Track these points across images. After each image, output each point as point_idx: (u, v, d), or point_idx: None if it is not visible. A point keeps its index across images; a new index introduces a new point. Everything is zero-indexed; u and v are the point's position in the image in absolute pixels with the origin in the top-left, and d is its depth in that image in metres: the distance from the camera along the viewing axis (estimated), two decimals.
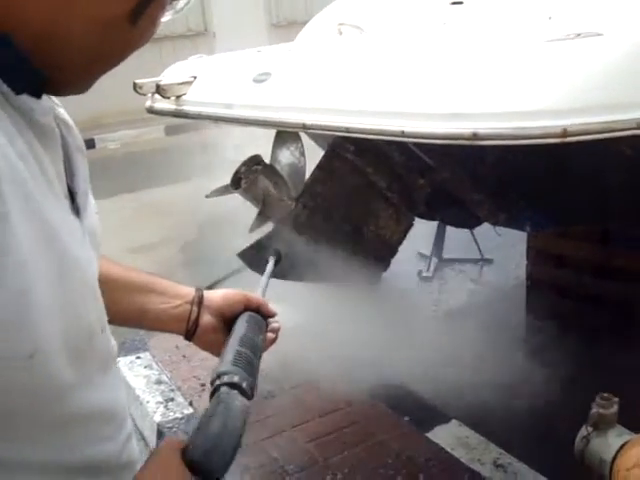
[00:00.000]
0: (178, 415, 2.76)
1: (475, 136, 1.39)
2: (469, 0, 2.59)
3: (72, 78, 0.71)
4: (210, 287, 3.67)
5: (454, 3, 2.64)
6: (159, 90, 2.39)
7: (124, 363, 3.17)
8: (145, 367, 3.11)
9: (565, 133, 1.39)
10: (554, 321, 3.19)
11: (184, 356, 3.14)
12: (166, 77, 2.54)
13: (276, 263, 2.25)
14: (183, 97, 2.39)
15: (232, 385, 0.83)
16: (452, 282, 4.06)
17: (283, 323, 1.13)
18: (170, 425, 2.72)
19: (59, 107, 0.79)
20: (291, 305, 3.37)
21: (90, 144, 10.19)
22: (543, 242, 3.40)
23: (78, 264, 0.69)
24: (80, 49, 0.68)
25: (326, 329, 3.03)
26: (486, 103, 1.43)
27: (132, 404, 2.99)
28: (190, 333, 1.08)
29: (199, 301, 1.08)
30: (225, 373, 0.86)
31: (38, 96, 0.69)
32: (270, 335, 1.10)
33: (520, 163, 2.13)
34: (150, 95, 2.57)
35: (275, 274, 2.43)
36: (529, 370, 2.67)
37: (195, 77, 2.40)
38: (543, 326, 3.15)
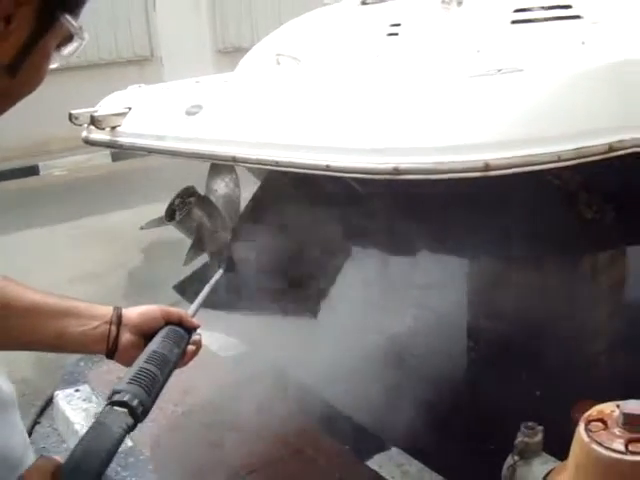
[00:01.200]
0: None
1: (396, 171, 1.41)
2: (404, 32, 2.64)
3: None
4: None
5: (390, 34, 2.68)
6: (93, 121, 2.37)
7: (62, 396, 3.12)
8: (84, 400, 3.06)
9: (487, 167, 1.41)
10: (493, 347, 3.23)
11: None
12: (101, 108, 2.52)
13: (226, 271, 2.20)
14: (118, 128, 2.38)
15: (120, 403, 0.88)
16: (395, 308, 4.07)
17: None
18: None
19: None
20: (233, 334, 3.36)
21: (34, 171, 10.03)
22: (483, 267, 3.44)
23: None
24: None
25: (267, 355, 3.02)
26: (408, 138, 1.45)
27: (70, 438, 2.93)
28: (111, 352, 1.10)
29: (117, 320, 1.10)
30: (117, 392, 0.91)
31: None
32: (191, 347, 1.14)
33: (451, 195, 2.16)
34: (86, 126, 2.55)
35: (210, 304, 2.43)
36: (467, 396, 2.69)
37: (130, 108, 2.39)
38: (481, 351, 3.18)
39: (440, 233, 2.56)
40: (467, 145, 1.42)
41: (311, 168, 1.53)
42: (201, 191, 2.27)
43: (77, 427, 2.85)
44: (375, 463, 2.50)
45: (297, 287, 2.43)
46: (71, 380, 3.24)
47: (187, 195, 2.20)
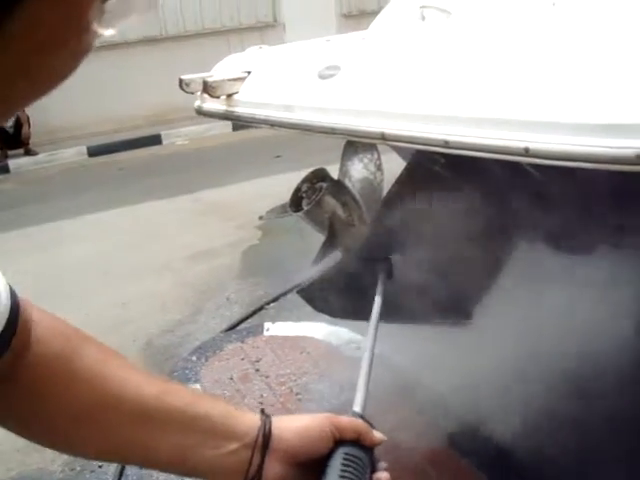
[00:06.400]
0: None
1: None
2: None
3: None
4: (268, 303, 3.15)
5: None
6: (207, 88, 1.99)
7: None
8: None
9: None
10: None
11: (238, 390, 2.75)
12: (216, 73, 2.15)
13: (387, 277, 1.79)
14: (235, 96, 1.99)
15: None
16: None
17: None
18: None
19: None
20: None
21: (157, 140, 10.01)
22: None
23: None
24: None
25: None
26: None
27: None
28: None
29: (264, 444, 0.74)
30: None
31: None
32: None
33: None
34: (199, 94, 2.19)
35: (337, 313, 2.01)
36: None
37: (249, 72, 1.99)
38: None
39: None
40: None
41: (501, 152, 1.07)
42: (334, 174, 1.84)
43: None
44: None
45: (450, 290, 1.97)
46: (182, 377, 2.92)
47: (317, 179, 1.78)
